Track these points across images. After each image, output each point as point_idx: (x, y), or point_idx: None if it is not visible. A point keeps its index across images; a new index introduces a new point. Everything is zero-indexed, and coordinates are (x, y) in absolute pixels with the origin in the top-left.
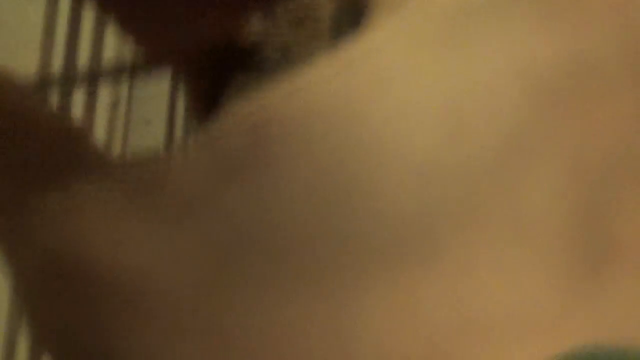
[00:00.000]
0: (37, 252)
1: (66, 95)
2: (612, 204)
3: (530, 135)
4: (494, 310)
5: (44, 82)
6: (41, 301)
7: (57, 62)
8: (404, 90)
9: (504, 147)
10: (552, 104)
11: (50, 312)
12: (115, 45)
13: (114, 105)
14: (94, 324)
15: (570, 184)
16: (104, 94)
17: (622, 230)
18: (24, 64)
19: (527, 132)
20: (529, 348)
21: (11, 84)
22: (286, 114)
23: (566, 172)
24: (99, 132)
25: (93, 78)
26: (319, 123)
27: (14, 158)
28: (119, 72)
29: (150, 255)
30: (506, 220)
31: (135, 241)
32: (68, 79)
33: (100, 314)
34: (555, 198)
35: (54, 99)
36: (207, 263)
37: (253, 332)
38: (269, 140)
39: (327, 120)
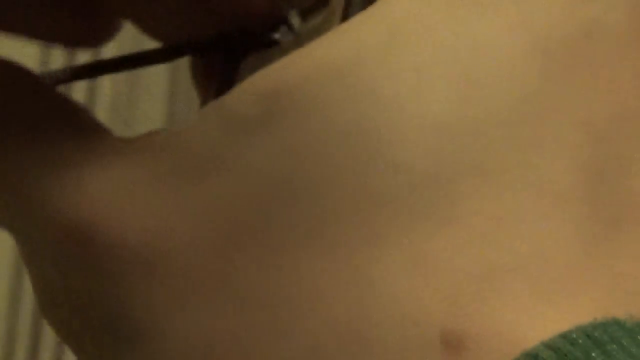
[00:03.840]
0: (49, 226)
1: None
2: (623, 160)
3: (542, 93)
4: (511, 262)
5: (43, 79)
6: (53, 274)
7: (58, 60)
8: (417, 47)
9: (517, 105)
10: (561, 63)
11: (64, 282)
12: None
13: (114, 105)
14: (107, 289)
15: (582, 140)
16: (103, 94)
17: (636, 187)
18: (24, 61)
19: (539, 90)
20: (544, 299)
21: (19, 68)
22: (300, 73)
23: (578, 128)
24: None
25: (93, 73)
26: (333, 80)
27: (23, 138)
28: (120, 66)
29: (163, 218)
30: (522, 175)
31: (148, 205)
32: (67, 77)
33: (114, 278)
34: (568, 153)
35: None
36: (221, 220)
37: (270, 288)
38: (284, 99)
39: (340, 77)
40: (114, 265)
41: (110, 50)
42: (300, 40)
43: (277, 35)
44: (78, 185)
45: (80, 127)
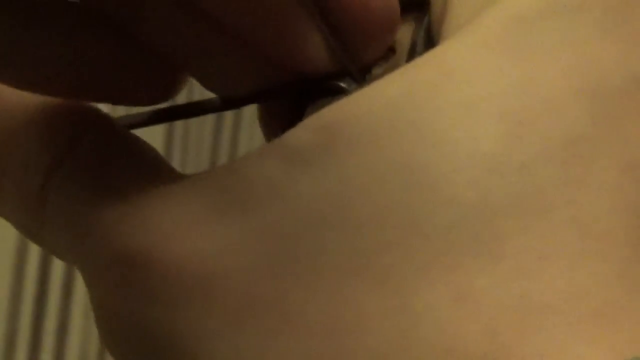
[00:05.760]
0: (109, 255)
1: None
2: None
3: (589, 136)
4: (551, 299)
5: (118, 122)
6: (111, 296)
7: None
8: (468, 85)
9: (565, 146)
10: (610, 110)
11: (121, 309)
12: None
13: None
14: (161, 311)
15: (627, 183)
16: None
17: None
18: None
19: (586, 133)
20: (581, 336)
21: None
22: (354, 109)
23: (623, 172)
24: None
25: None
26: (385, 115)
27: (93, 175)
28: (191, 112)
29: (219, 243)
30: (567, 213)
31: (204, 232)
32: (142, 121)
33: (167, 301)
34: (613, 195)
35: None
36: (275, 246)
37: (318, 315)
38: (339, 133)
39: (392, 112)
40: (168, 288)
41: None
42: (366, 83)
43: (342, 84)
44: (137, 215)
45: (147, 165)
